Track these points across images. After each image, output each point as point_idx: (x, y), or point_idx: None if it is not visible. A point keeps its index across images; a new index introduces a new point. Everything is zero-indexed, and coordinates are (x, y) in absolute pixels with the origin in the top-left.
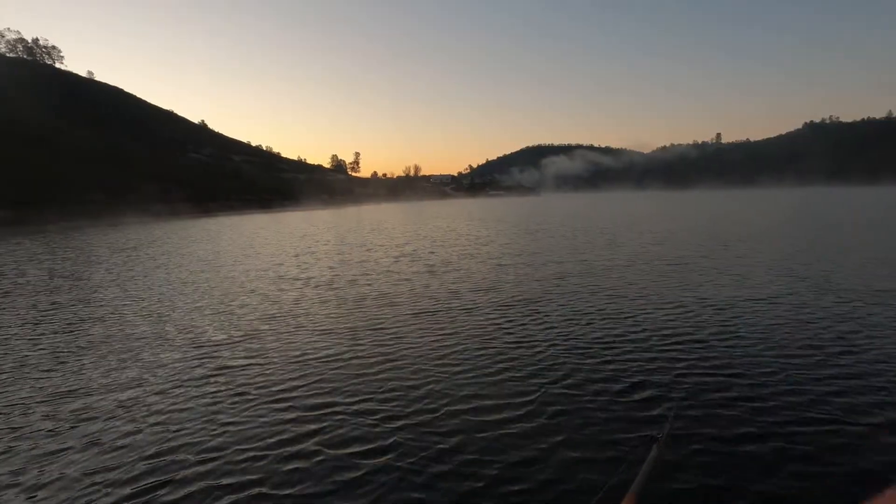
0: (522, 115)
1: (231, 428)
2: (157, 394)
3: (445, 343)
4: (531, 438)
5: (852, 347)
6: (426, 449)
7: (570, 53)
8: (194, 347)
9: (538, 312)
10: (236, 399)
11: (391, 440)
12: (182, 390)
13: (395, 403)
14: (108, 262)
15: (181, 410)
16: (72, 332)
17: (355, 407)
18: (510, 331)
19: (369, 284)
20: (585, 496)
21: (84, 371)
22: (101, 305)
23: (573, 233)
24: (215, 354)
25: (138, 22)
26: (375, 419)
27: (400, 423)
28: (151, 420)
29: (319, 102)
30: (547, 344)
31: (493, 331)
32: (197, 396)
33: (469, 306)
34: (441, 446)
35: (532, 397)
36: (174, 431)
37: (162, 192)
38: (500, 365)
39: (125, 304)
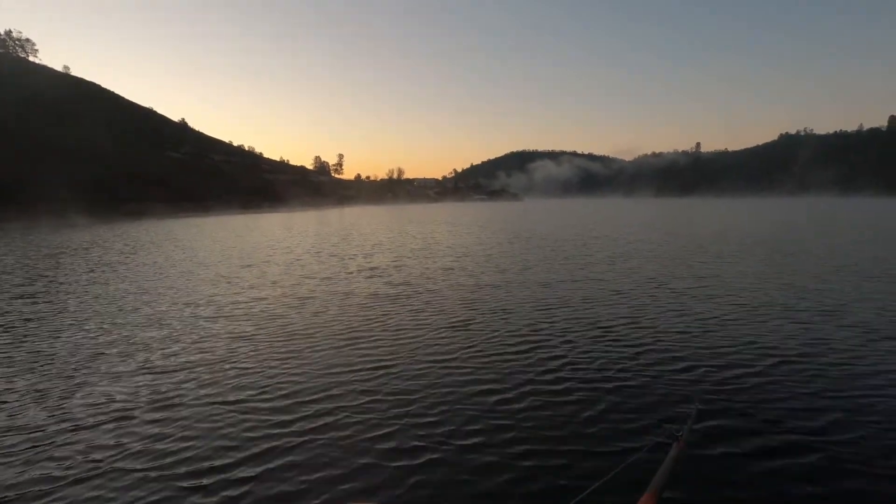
0: (507, 119)
1: None
2: None
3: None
4: (547, 432)
5: (884, 354)
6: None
7: (553, 60)
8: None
9: (543, 315)
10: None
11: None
12: None
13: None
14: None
15: None
16: None
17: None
18: (517, 332)
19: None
20: (603, 491)
21: None
22: None
23: (562, 244)
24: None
25: (118, 17)
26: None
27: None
28: None
29: (303, 103)
30: (561, 341)
31: (495, 329)
32: None
33: (458, 310)
34: (449, 445)
35: (549, 391)
36: None
37: (134, 191)
38: (510, 360)
39: None
